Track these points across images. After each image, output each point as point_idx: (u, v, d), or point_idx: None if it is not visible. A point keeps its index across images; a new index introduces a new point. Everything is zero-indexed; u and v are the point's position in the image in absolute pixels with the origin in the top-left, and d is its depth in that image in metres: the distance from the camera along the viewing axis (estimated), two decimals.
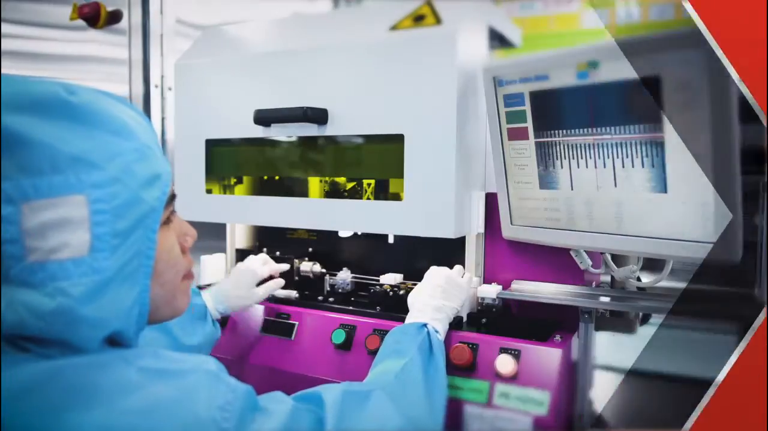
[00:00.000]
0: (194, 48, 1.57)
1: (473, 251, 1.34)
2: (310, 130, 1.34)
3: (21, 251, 0.61)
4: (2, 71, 1.68)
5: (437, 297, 1.15)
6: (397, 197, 1.30)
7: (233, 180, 1.53)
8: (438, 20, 1.21)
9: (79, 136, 0.64)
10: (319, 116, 1.30)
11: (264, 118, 1.33)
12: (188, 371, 0.69)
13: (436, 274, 1.20)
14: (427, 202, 1.21)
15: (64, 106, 0.64)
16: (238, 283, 1.31)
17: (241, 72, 1.43)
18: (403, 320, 1.24)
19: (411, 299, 1.18)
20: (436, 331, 1.10)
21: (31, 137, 0.61)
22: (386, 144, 1.29)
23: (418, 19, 1.25)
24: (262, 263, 1.38)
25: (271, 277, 1.39)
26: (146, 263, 0.70)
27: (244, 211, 1.45)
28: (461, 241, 1.33)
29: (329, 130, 1.31)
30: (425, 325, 1.09)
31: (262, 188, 1.54)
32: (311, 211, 1.37)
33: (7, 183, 0.60)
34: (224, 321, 1.38)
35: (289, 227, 1.50)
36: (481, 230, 1.32)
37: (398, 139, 1.23)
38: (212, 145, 1.48)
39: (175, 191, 0.77)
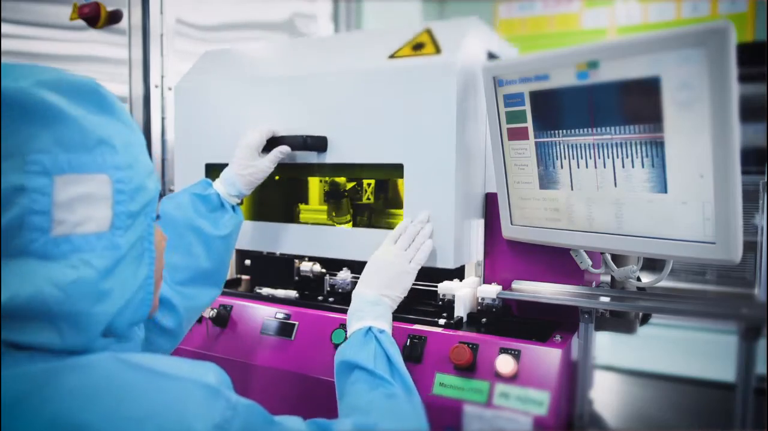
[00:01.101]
0: (194, 70, 1.58)
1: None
2: (309, 157, 1.34)
3: (47, 223, 0.63)
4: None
5: (377, 289, 1.11)
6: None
7: None
8: (437, 50, 1.21)
9: (105, 121, 0.70)
10: (318, 144, 1.30)
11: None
12: (185, 379, 0.67)
13: (376, 264, 1.16)
14: None
15: (95, 93, 0.70)
16: (239, 161, 1.29)
17: (241, 97, 1.44)
18: (404, 320, 1.24)
19: (354, 293, 1.14)
20: (381, 331, 1.05)
21: (68, 114, 0.66)
22: (387, 171, 1.31)
23: (417, 47, 1.24)
24: (256, 133, 1.32)
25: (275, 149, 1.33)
26: (149, 248, 0.75)
27: (243, 236, 1.42)
28: None
29: (329, 158, 1.32)
30: (370, 329, 1.05)
31: (260, 213, 1.54)
32: (308, 237, 1.38)
33: (44, 155, 0.63)
34: (224, 321, 1.39)
35: (285, 253, 1.47)
36: (480, 257, 1.32)
37: (399, 167, 1.24)
38: (212, 169, 1.48)
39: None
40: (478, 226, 1.31)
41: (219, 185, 1.27)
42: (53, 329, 0.65)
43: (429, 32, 1.26)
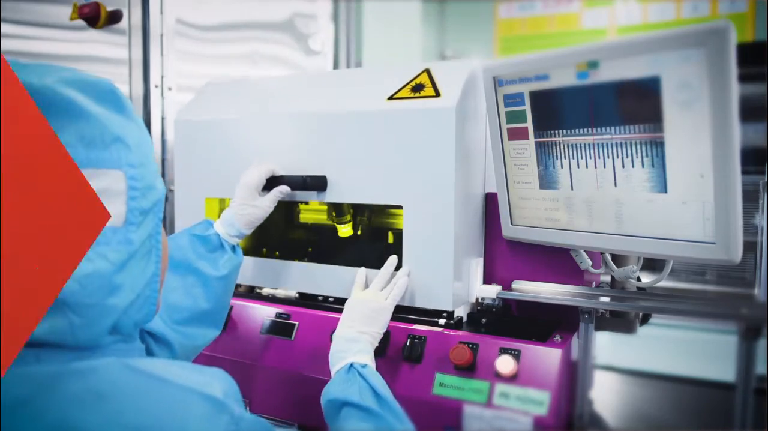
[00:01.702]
0: (194, 103, 1.57)
1: None
2: (309, 196, 1.34)
3: None
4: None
5: (355, 328, 1.12)
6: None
7: None
8: (437, 93, 1.20)
9: (120, 120, 0.72)
10: (318, 184, 1.31)
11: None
12: (190, 390, 0.67)
13: (352, 305, 1.17)
14: (426, 275, 1.21)
15: (112, 93, 0.72)
16: (238, 200, 1.29)
17: (241, 133, 1.43)
18: (404, 320, 1.24)
19: (333, 337, 1.14)
20: (363, 365, 1.06)
21: (90, 112, 0.68)
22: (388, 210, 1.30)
23: (416, 89, 1.23)
24: (256, 172, 1.32)
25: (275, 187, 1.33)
26: (157, 246, 0.76)
27: (242, 272, 1.42)
28: None
29: (329, 197, 1.32)
30: (352, 365, 1.05)
31: (257, 249, 1.54)
32: (307, 275, 1.38)
33: (67, 149, 0.64)
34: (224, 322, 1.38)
35: (281, 288, 1.48)
36: (480, 294, 1.32)
37: (398, 208, 1.24)
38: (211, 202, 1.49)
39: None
40: (477, 265, 1.30)
41: (219, 226, 1.27)
42: (65, 321, 0.65)
43: (428, 73, 1.25)
